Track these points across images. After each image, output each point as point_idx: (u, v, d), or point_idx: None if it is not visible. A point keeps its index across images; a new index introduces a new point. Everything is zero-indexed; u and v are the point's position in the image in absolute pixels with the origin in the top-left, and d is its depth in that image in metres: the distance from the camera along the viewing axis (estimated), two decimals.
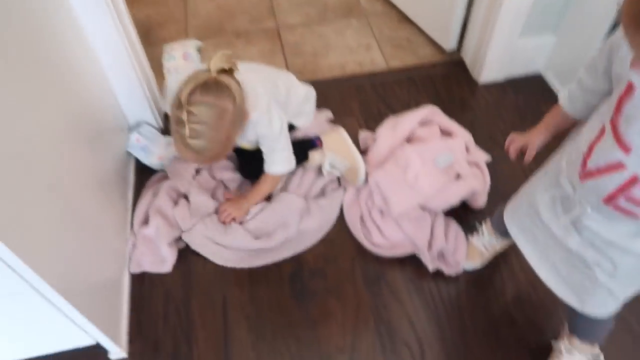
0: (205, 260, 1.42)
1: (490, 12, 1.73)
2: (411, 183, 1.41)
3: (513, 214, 1.13)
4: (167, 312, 1.33)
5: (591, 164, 0.85)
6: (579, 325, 1.15)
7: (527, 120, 1.72)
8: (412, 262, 1.41)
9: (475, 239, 1.39)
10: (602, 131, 0.82)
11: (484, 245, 1.38)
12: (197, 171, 1.57)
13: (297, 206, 1.47)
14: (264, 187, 1.47)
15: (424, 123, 1.63)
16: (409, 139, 1.58)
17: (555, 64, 1.85)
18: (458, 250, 1.38)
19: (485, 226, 1.38)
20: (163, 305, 1.34)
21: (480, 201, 1.48)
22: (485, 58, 1.83)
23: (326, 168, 1.54)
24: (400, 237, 1.41)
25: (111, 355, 1.25)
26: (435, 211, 1.43)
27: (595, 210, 0.88)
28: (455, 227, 1.43)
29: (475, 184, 1.44)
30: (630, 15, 0.63)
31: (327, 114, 1.74)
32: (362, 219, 1.47)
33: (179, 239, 1.45)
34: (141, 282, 1.39)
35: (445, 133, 1.62)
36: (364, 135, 1.68)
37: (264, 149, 1.39)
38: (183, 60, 1.89)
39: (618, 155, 0.79)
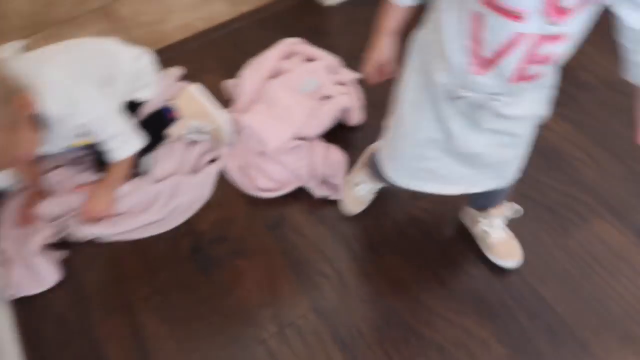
0: (92, 266, 1.32)
1: None
2: (281, 116, 1.38)
3: (397, 168, 1.07)
4: (67, 338, 1.22)
5: (487, 51, 0.79)
6: (485, 198, 1.18)
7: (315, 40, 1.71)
8: (306, 194, 1.39)
9: (359, 191, 1.32)
10: (477, 17, 0.76)
11: (369, 192, 1.33)
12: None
13: (152, 194, 1.38)
14: (115, 175, 1.37)
15: (288, 57, 1.58)
16: (275, 76, 1.53)
17: None
18: (338, 175, 1.37)
19: (362, 175, 1.31)
20: (59, 332, 1.23)
21: (355, 118, 1.47)
22: None
23: (189, 138, 1.45)
24: (285, 173, 1.39)
25: None
26: (312, 138, 1.41)
27: (505, 95, 0.85)
28: (335, 151, 1.42)
29: (345, 101, 1.43)
30: None
31: (175, 72, 1.62)
32: (242, 169, 1.42)
33: (55, 249, 1.33)
34: (27, 313, 1.26)
35: (311, 61, 1.58)
36: (227, 84, 1.61)
37: (98, 138, 1.27)
38: None
39: (512, 27, 0.74)
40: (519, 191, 1.24)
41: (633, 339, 1.13)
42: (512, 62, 0.79)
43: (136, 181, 1.41)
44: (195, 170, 1.45)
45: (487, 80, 0.83)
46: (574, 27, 0.76)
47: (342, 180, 1.36)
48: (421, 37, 0.92)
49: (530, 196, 1.33)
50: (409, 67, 0.95)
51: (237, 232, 1.35)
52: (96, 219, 1.34)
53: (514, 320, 1.17)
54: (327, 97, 1.44)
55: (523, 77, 0.82)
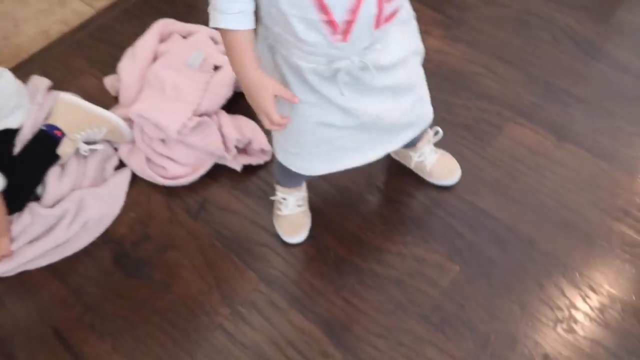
0: (6, 302, 1.15)
1: None
2: (174, 97, 1.27)
3: (307, 160, 0.98)
4: None
5: (339, 16, 0.73)
6: (415, 137, 1.10)
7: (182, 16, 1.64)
8: (224, 171, 1.30)
9: (286, 210, 1.17)
10: None
11: (299, 205, 1.17)
12: None
13: (54, 216, 1.23)
14: None
15: (163, 39, 1.47)
16: (155, 59, 1.42)
17: None
18: (256, 139, 1.30)
19: (281, 191, 1.16)
20: None
21: None
22: None
23: (84, 150, 1.31)
24: (195, 155, 1.29)
25: None
26: (214, 111, 1.33)
27: (375, 44, 0.80)
28: (244, 119, 1.34)
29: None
30: None
31: (43, 83, 1.41)
32: (149, 162, 1.31)
33: None
34: None
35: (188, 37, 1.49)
36: (108, 81, 1.47)
37: None
38: None
39: None
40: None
41: (571, 223, 1.17)
42: (370, 9, 0.74)
43: (34, 208, 1.24)
44: (102, 180, 1.31)
45: (354, 40, 0.77)
46: None
47: (263, 142, 1.29)
48: (263, 34, 0.82)
49: (444, 119, 1.34)
50: (266, 69, 0.84)
51: (160, 228, 1.24)
52: None
53: (460, 237, 1.17)
54: (218, 68, 1.36)
55: (385, 18, 0.78)
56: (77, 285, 1.17)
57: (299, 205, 1.18)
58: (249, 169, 1.30)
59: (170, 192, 1.29)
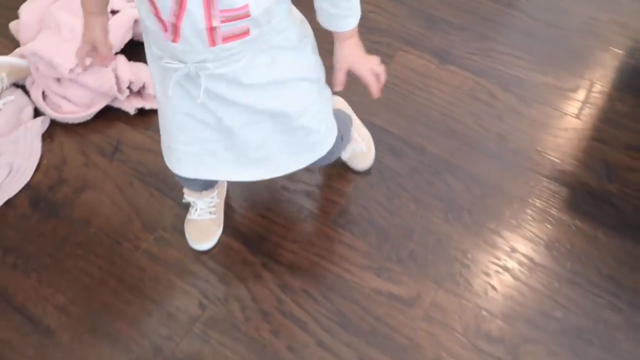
0: None
1: None
2: (71, 38, 1.30)
3: (178, 158, 0.92)
4: None
5: (166, 16, 0.69)
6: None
7: None
8: (137, 115, 1.35)
9: (195, 215, 1.13)
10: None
11: (209, 212, 1.14)
12: None
13: None
14: None
15: None
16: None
17: None
18: (151, 84, 1.34)
19: (188, 195, 1.13)
20: None
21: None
22: None
23: None
24: (88, 94, 1.33)
25: None
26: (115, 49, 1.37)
27: (212, 64, 0.75)
28: (143, 65, 1.36)
29: (135, 13, 1.39)
30: None
31: None
32: (46, 97, 1.34)
33: None
34: None
35: None
36: (13, 25, 1.49)
37: None
38: None
39: None
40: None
41: (455, 130, 1.32)
42: (196, 21, 0.68)
43: None
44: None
45: (187, 48, 0.72)
46: None
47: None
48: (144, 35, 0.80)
49: None
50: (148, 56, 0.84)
51: (75, 172, 1.27)
52: None
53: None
54: (116, 12, 1.40)
55: (222, 38, 0.71)
56: None
57: (210, 212, 1.14)
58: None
59: (83, 137, 1.32)
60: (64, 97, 1.32)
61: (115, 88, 1.30)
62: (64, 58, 1.27)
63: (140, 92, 1.37)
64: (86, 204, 1.22)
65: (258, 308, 1.07)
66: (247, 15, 0.70)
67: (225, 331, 1.05)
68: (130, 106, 1.34)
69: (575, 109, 1.36)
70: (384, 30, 1.52)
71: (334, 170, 1.25)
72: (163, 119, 0.91)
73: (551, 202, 1.20)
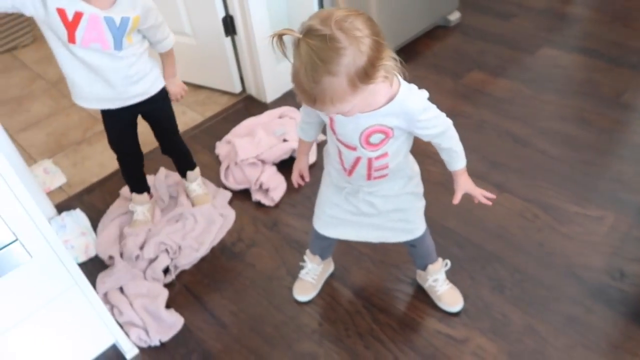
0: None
1: (251, 56, 2.57)
2: (255, 143, 2.19)
3: (323, 224, 1.52)
4: None
5: (347, 166, 1.31)
6: (420, 256, 1.62)
7: None
8: (289, 203, 2.10)
9: (304, 274, 1.73)
10: (338, 148, 1.28)
11: (312, 277, 1.71)
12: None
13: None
14: (173, 57, 1.77)
15: (282, 116, 2.48)
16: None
17: None
18: (276, 190, 2.10)
19: (307, 258, 1.71)
20: None
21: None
22: (264, 86, 2.65)
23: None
24: (242, 177, 2.16)
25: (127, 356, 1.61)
26: (267, 161, 2.19)
27: (368, 186, 1.36)
28: (280, 176, 2.16)
29: (296, 145, 2.19)
30: (300, 98, 1.03)
31: None
32: (227, 169, 2.22)
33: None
34: None
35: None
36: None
37: (157, 24, 1.60)
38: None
39: (353, 154, 1.26)
40: None
41: (502, 236, 1.87)
42: (362, 169, 1.29)
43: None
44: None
45: (354, 179, 1.34)
46: (389, 148, 1.24)
47: (279, 195, 2.09)
48: (325, 148, 1.42)
49: None
50: (324, 163, 1.47)
51: (248, 235, 1.98)
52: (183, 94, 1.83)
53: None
54: (286, 141, 2.22)
55: (374, 176, 1.31)
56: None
57: (312, 278, 1.71)
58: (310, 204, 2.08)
59: (254, 215, 2.05)
60: (233, 173, 2.19)
61: (255, 184, 2.11)
62: (243, 151, 2.16)
63: (267, 191, 2.11)
64: (253, 255, 1.90)
65: (357, 331, 1.63)
66: (389, 168, 1.31)
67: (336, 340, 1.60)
68: (254, 196, 2.10)
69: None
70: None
71: None
72: (321, 200, 1.51)
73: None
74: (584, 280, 1.70)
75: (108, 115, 1.74)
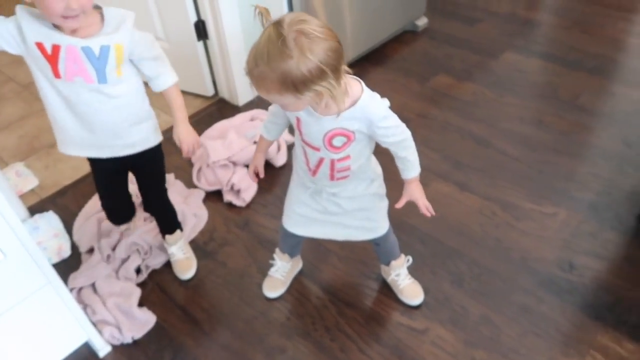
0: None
1: (223, 60, 2.63)
2: (226, 145, 2.26)
3: (291, 223, 1.58)
4: None
5: (311, 165, 1.37)
6: (384, 253, 1.70)
7: None
8: (260, 204, 2.16)
9: (273, 272, 1.80)
10: (303, 149, 1.34)
11: (281, 275, 1.78)
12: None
13: None
14: (181, 99, 1.54)
15: (253, 118, 2.54)
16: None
17: None
18: (247, 191, 2.17)
19: (276, 256, 1.78)
20: None
21: (278, 161, 2.31)
22: (236, 89, 2.71)
23: None
24: (214, 178, 2.22)
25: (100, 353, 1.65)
26: (238, 163, 2.26)
27: (331, 186, 1.42)
28: (248, 179, 2.21)
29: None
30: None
31: None
32: (199, 171, 2.28)
33: None
34: None
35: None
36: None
37: (152, 56, 1.42)
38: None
39: (317, 154, 1.31)
40: None
41: (462, 232, 1.97)
42: (325, 169, 1.35)
43: None
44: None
45: (318, 178, 1.40)
46: (351, 151, 1.29)
47: (250, 196, 2.17)
48: (293, 150, 1.47)
49: None
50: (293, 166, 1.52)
51: (220, 235, 2.04)
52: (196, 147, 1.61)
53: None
54: (257, 143, 2.28)
55: (336, 177, 1.37)
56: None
57: (281, 275, 1.79)
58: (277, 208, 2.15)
59: (226, 215, 2.11)
60: (205, 175, 2.25)
61: (226, 184, 2.18)
62: (215, 153, 2.22)
63: (238, 193, 2.18)
64: (226, 253, 1.96)
65: (324, 324, 1.70)
66: (348, 169, 1.36)
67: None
68: (226, 197, 2.17)
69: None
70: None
71: None
72: (290, 200, 1.57)
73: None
74: (537, 272, 1.80)
75: (95, 164, 1.61)
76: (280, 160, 2.32)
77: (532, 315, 1.68)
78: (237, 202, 2.15)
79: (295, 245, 1.76)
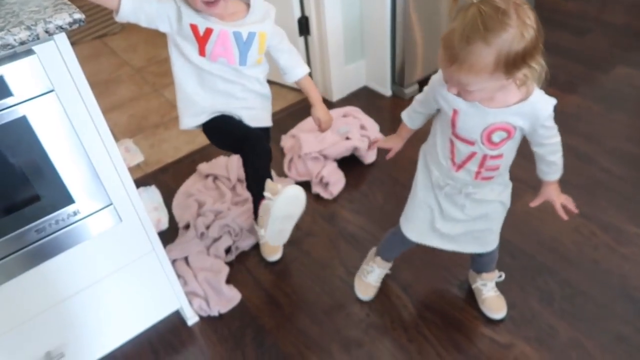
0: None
1: (322, 56, 2.68)
2: (319, 138, 2.30)
3: (412, 228, 1.51)
4: None
5: (458, 160, 1.29)
6: (482, 264, 1.65)
7: (372, 114, 2.61)
8: (347, 199, 2.19)
9: (368, 278, 1.76)
10: (452, 142, 1.28)
11: (375, 280, 1.76)
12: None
13: None
14: (314, 86, 1.73)
15: (346, 115, 2.55)
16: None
17: (370, 77, 2.86)
18: (336, 185, 2.20)
19: (375, 263, 1.74)
20: None
21: (366, 159, 2.33)
22: (331, 86, 2.76)
23: None
24: (304, 170, 2.27)
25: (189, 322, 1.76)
26: (329, 157, 2.30)
27: (471, 186, 1.34)
28: (340, 172, 2.26)
29: (357, 144, 2.30)
30: (440, 57, 1.06)
31: None
32: (291, 161, 2.33)
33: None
34: None
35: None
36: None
37: (287, 48, 1.63)
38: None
39: (469, 148, 1.25)
40: None
41: (557, 250, 1.87)
42: (472, 166, 1.28)
43: None
44: None
45: (460, 175, 1.32)
46: (505, 150, 1.25)
47: (337, 190, 2.19)
48: (426, 147, 1.44)
49: None
50: (419, 164, 1.46)
51: (306, 226, 2.09)
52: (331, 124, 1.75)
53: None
54: (348, 139, 2.32)
55: (481, 177, 1.31)
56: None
57: (375, 282, 1.76)
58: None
59: (313, 207, 2.16)
60: (296, 166, 2.30)
61: (316, 176, 2.22)
62: (307, 145, 2.27)
63: (327, 186, 2.21)
64: (310, 243, 2.01)
65: (403, 325, 1.70)
66: (499, 169, 1.30)
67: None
68: (314, 189, 2.21)
69: None
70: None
71: None
72: (414, 204, 1.48)
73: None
74: (638, 301, 1.68)
75: (217, 119, 1.60)
76: (370, 157, 2.34)
77: (630, 347, 1.57)
78: (325, 195, 2.19)
79: (405, 251, 1.70)
